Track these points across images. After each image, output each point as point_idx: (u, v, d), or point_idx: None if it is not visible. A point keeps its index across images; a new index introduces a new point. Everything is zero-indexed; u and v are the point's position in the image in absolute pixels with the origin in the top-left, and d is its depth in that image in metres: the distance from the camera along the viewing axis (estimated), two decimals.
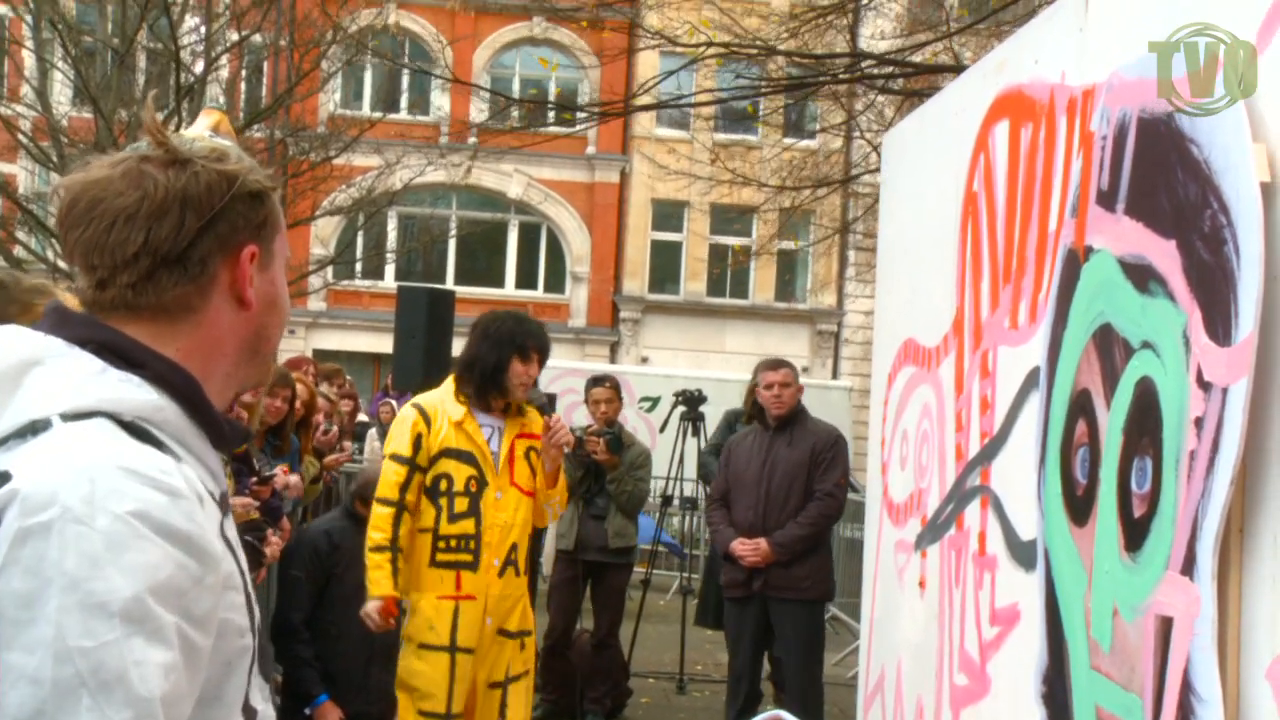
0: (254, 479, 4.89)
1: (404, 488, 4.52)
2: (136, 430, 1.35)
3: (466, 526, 4.55)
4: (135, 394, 1.37)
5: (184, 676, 1.26)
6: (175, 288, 1.43)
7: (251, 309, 1.49)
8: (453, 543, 4.55)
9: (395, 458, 4.55)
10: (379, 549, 4.49)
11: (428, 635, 4.52)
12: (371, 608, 4.51)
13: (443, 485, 4.56)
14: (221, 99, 15.29)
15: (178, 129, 1.65)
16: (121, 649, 1.20)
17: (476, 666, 4.58)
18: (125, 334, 1.42)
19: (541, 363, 4.75)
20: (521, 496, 4.68)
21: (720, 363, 23.18)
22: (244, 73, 16.82)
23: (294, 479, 5.58)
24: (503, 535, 4.60)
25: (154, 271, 1.42)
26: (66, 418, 1.32)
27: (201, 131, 1.55)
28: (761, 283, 26.44)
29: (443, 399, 4.65)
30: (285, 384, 5.81)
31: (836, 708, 7.36)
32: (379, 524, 4.51)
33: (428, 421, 4.57)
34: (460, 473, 4.56)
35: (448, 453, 4.56)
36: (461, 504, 4.56)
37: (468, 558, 4.55)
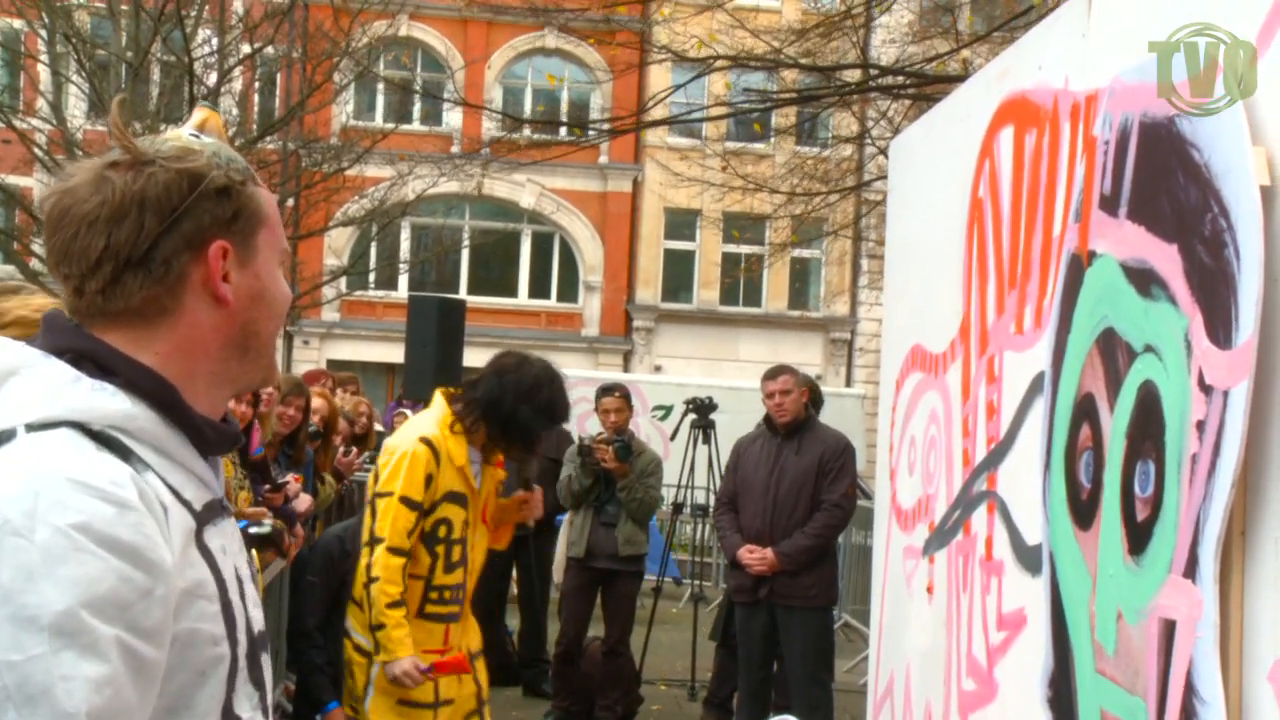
0: (267, 486, 4.90)
1: (411, 534, 4.09)
2: (105, 439, 1.34)
3: (458, 576, 4.21)
4: (106, 403, 1.36)
5: (130, 689, 1.25)
6: (142, 290, 1.42)
7: (229, 306, 1.47)
8: (446, 594, 4.20)
9: (407, 501, 4.07)
10: (396, 605, 4.03)
11: (414, 693, 4.08)
12: (408, 668, 4.02)
13: (441, 531, 4.16)
14: (235, 111, 15.36)
15: None
16: (49, 663, 1.20)
17: (454, 712, 4.24)
18: (102, 341, 1.41)
19: None
20: (485, 531, 4.41)
21: (734, 371, 23.18)
22: (257, 85, 16.91)
23: (305, 499, 5.59)
24: (475, 577, 4.34)
25: (119, 275, 1.41)
26: (31, 428, 1.31)
27: (186, 130, 1.54)
28: (774, 291, 26.45)
29: (442, 434, 4.18)
30: (299, 393, 5.84)
31: (848, 714, 7.36)
32: (392, 576, 4.03)
33: (437, 460, 4.12)
34: (458, 518, 4.19)
35: (450, 496, 4.17)
36: (456, 552, 4.20)
37: (455, 609, 4.23)
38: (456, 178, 19.81)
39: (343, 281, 20.64)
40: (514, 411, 4.20)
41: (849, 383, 25.30)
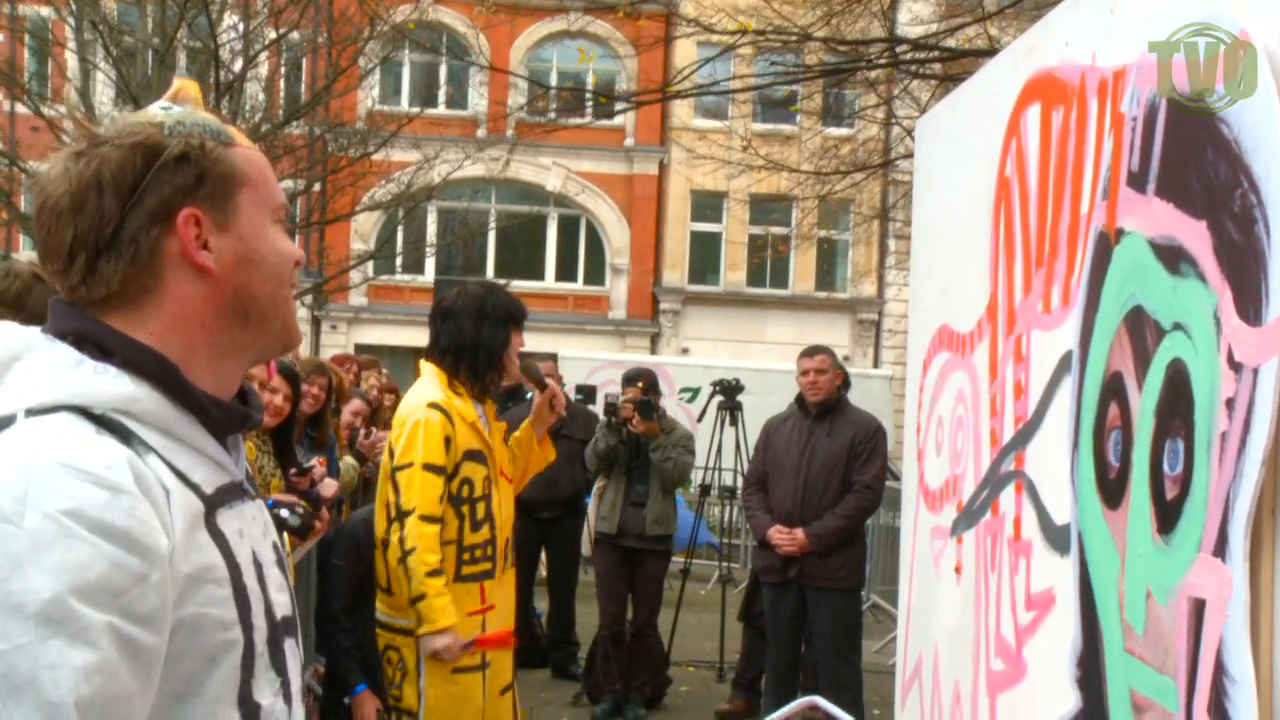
0: (293, 470, 4.92)
1: (442, 499, 4.08)
2: (107, 423, 1.32)
3: (485, 533, 4.18)
4: (108, 386, 1.34)
5: (125, 675, 1.23)
6: (119, 273, 1.39)
7: (213, 274, 1.43)
8: (476, 553, 4.17)
9: (430, 467, 4.06)
10: (435, 573, 4.00)
11: (463, 658, 4.07)
12: (448, 643, 4.00)
13: (465, 491, 4.14)
14: (261, 96, 15.41)
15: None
16: (35, 652, 1.18)
17: (495, 676, 4.23)
18: (100, 322, 1.39)
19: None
20: (507, 485, 4.37)
21: (761, 353, 23.17)
22: (283, 70, 16.93)
23: (331, 483, 5.61)
24: (505, 532, 4.28)
25: (94, 263, 1.38)
26: (31, 413, 1.30)
27: (158, 104, 1.49)
28: (801, 272, 26.39)
29: (447, 395, 4.18)
30: (321, 373, 5.85)
31: (877, 695, 7.36)
32: (429, 545, 4.00)
33: (451, 422, 4.11)
34: (478, 475, 4.17)
35: (469, 455, 4.15)
36: (480, 509, 4.18)
37: (488, 566, 4.19)
38: (482, 161, 19.83)
39: (369, 266, 20.70)
40: (478, 334, 4.22)
41: (876, 364, 25.25)
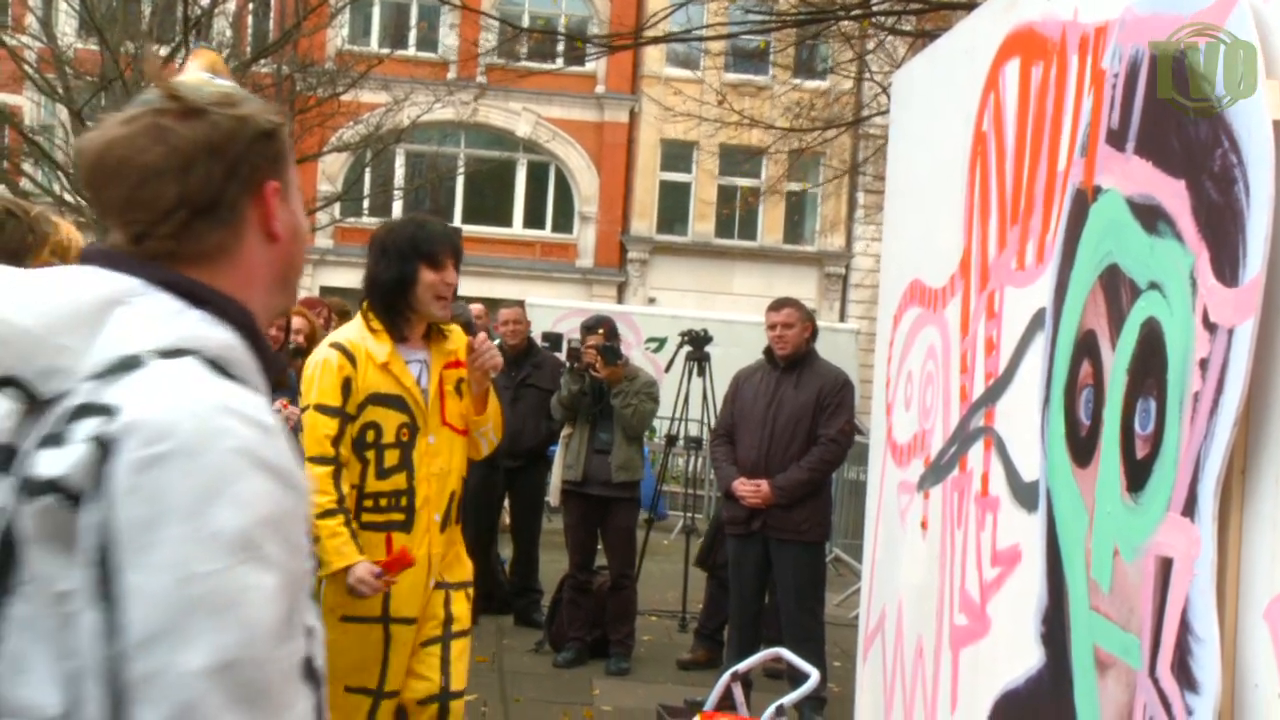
0: None
1: (337, 441, 3.89)
2: (218, 368, 1.42)
3: (398, 481, 3.97)
4: (214, 332, 1.45)
5: (286, 601, 1.36)
6: (212, 234, 1.50)
7: (279, 241, 1.57)
8: (382, 501, 3.98)
9: (322, 408, 3.90)
10: (328, 514, 3.84)
11: (355, 606, 3.88)
12: (364, 573, 3.84)
13: (369, 436, 3.95)
14: (228, 33, 15.18)
15: (184, 62, 1.68)
16: (234, 575, 1.29)
17: (412, 632, 4.03)
18: (188, 275, 1.49)
19: (457, 267, 4.08)
20: (455, 437, 4.12)
21: (728, 304, 23.17)
22: (251, 6, 16.69)
23: (293, 410, 5.55)
24: (440, 485, 4.06)
25: (191, 221, 1.49)
26: (159, 354, 1.38)
27: (199, 75, 1.57)
28: (770, 224, 26.37)
29: (362, 335, 4.00)
30: (281, 313, 5.79)
31: (839, 648, 7.42)
32: (321, 486, 3.83)
33: (353, 363, 3.93)
34: (390, 421, 3.96)
35: (375, 399, 3.95)
36: (392, 456, 3.97)
37: (399, 516, 3.99)
38: (452, 105, 19.64)
39: (336, 208, 20.52)
40: (377, 269, 4.02)
41: (843, 317, 25.31)
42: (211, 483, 1.30)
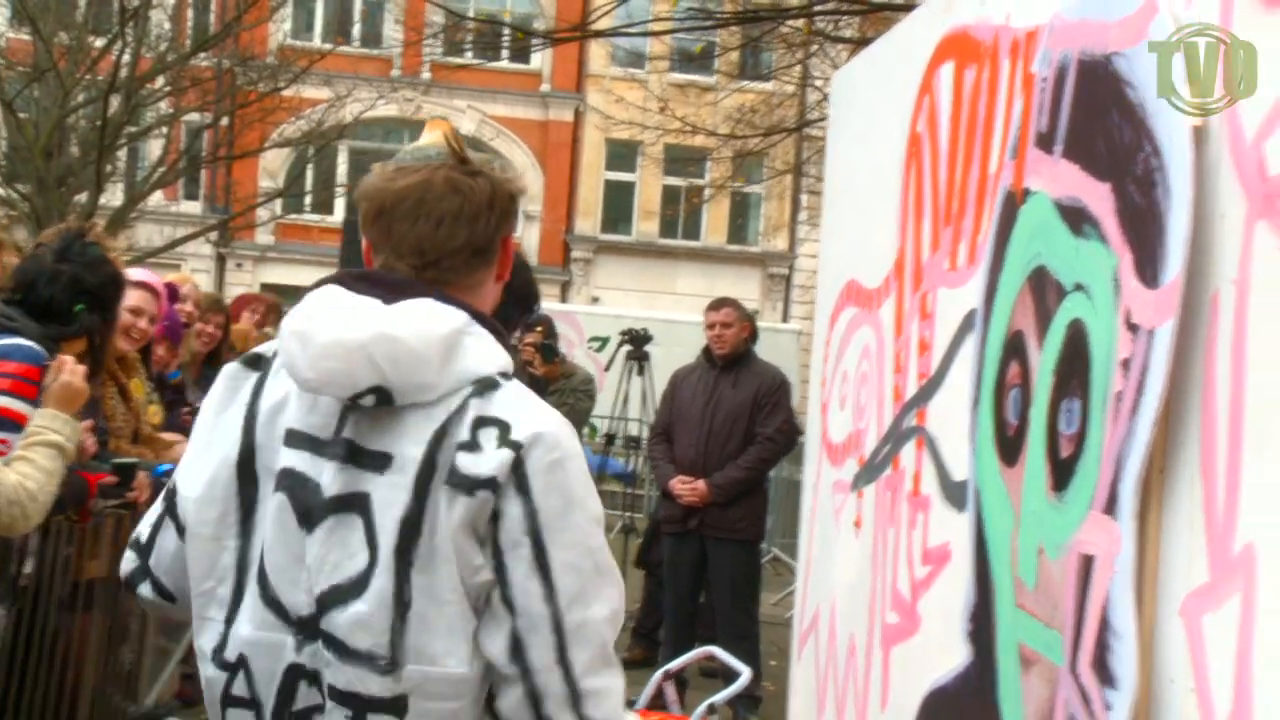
0: (185, 409, 4.81)
1: None
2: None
3: None
4: (507, 356, 1.84)
5: None
6: (479, 271, 1.91)
7: (502, 280, 1.98)
8: None
9: None
10: None
11: None
12: None
13: None
14: (167, 25, 14.99)
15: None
16: (607, 548, 1.80)
17: None
18: (475, 307, 1.85)
19: None
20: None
21: (671, 304, 23.19)
22: None
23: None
24: None
25: (470, 259, 1.88)
26: (501, 376, 1.80)
27: (436, 140, 1.93)
28: (714, 225, 26.42)
29: None
30: (218, 309, 5.72)
31: (775, 647, 7.45)
32: None
33: None
34: None
35: None
36: None
37: None
38: (396, 102, 19.52)
39: (278, 204, 20.32)
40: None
41: (785, 318, 25.41)
42: (586, 479, 1.78)
